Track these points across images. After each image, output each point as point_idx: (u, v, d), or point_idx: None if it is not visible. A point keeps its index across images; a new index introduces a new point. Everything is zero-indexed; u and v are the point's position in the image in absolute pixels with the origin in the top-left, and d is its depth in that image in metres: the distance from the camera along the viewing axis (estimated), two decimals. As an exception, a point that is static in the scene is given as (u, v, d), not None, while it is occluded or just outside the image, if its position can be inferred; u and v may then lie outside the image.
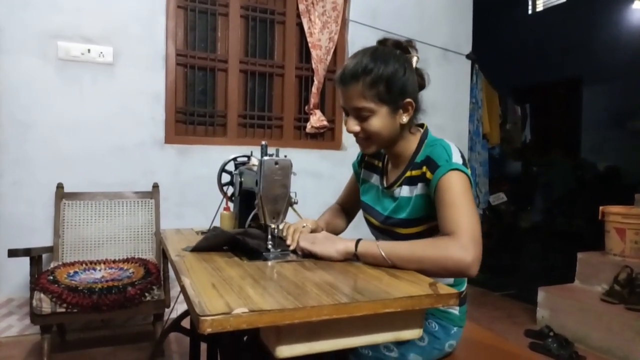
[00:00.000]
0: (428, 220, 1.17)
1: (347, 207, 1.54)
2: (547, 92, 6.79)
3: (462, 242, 1.00)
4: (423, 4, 3.55)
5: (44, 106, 2.55)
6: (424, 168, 1.15)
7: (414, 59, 1.22)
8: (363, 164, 1.42)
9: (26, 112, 2.51)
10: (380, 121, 1.15)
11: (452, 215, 1.05)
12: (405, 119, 1.18)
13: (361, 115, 1.16)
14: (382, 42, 1.24)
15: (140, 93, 2.75)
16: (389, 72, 1.13)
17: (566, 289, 2.88)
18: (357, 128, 1.18)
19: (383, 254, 1.07)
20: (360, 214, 1.45)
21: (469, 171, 1.12)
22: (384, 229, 1.26)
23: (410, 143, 1.23)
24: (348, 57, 3.35)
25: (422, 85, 1.24)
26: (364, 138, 1.20)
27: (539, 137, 6.59)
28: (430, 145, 1.19)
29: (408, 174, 1.20)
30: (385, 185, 1.29)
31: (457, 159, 1.11)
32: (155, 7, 2.76)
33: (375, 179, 1.36)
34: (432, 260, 1.02)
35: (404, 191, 1.20)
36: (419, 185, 1.17)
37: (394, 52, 1.19)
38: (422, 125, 1.27)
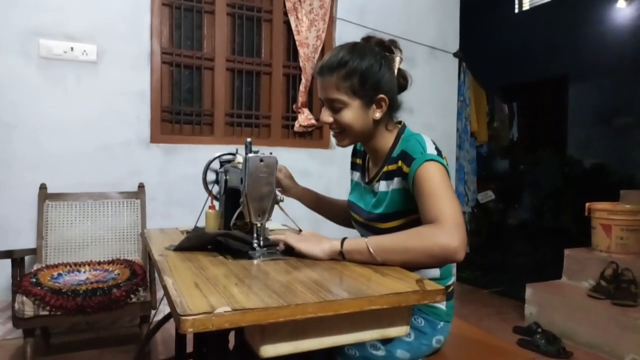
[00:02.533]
0: (406, 214, 1.17)
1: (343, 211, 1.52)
2: (534, 90, 6.85)
3: (446, 228, 1.01)
4: (410, 2, 3.56)
5: (27, 105, 2.50)
6: (400, 162, 1.16)
7: (397, 59, 1.23)
8: (351, 166, 1.44)
9: (9, 112, 2.47)
10: (352, 114, 1.17)
11: (433, 204, 1.05)
12: (378, 114, 1.19)
13: (334, 107, 1.19)
14: (366, 39, 1.26)
15: (125, 92, 2.71)
16: (364, 66, 1.15)
17: (554, 285, 2.90)
18: (330, 119, 1.20)
19: (370, 247, 1.06)
20: None
21: (444, 161, 1.13)
22: (366, 225, 1.27)
23: (387, 139, 1.24)
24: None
25: (403, 86, 1.26)
26: (338, 130, 1.22)
27: (526, 135, 6.65)
28: (405, 140, 1.20)
29: (385, 169, 1.22)
30: (366, 180, 1.31)
31: (431, 150, 1.13)
32: (139, 4, 2.73)
33: (357, 176, 1.38)
34: (419, 249, 1.02)
35: (382, 186, 1.22)
36: (395, 179, 1.18)
37: (372, 48, 1.21)
38: (399, 123, 1.28)
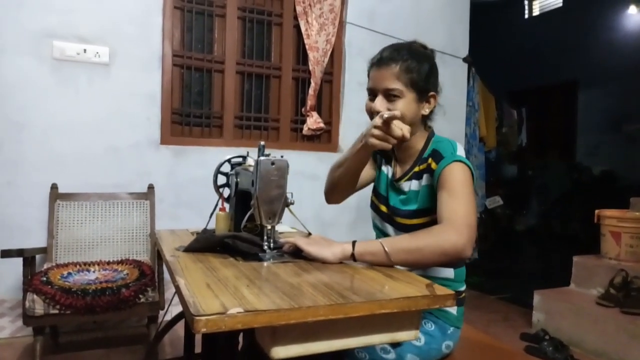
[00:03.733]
0: (434, 211, 1.18)
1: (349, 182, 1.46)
2: (543, 96, 6.82)
3: (456, 226, 1.05)
4: (420, 6, 3.56)
5: (39, 106, 2.53)
6: (430, 160, 1.22)
7: (435, 65, 1.32)
8: (379, 152, 1.42)
9: (21, 112, 2.50)
10: (406, 105, 1.22)
11: (450, 203, 1.10)
12: (427, 110, 1.27)
13: (390, 96, 1.22)
14: (412, 43, 1.32)
15: (136, 94, 2.73)
16: (423, 65, 1.24)
17: (562, 292, 2.88)
18: (384, 108, 1.22)
19: (386, 248, 1.07)
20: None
21: (471, 165, 1.18)
22: (390, 217, 1.30)
23: (421, 140, 1.30)
24: (345, 59, 3.37)
25: (439, 89, 1.33)
26: None
27: (535, 141, 6.61)
28: (437, 142, 1.27)
29: (416, 169, 1.27)
30: (395, 178, 1.34)
31: (461, 152, 1.19)
32: (151, 7, 2.75)
33: (385, 167, 1.40)
34: (431, 247, 1.05)
35: (413, 185, 1.26)
36: (425, 176, 1.23)
37: (425, 52, 1.30)
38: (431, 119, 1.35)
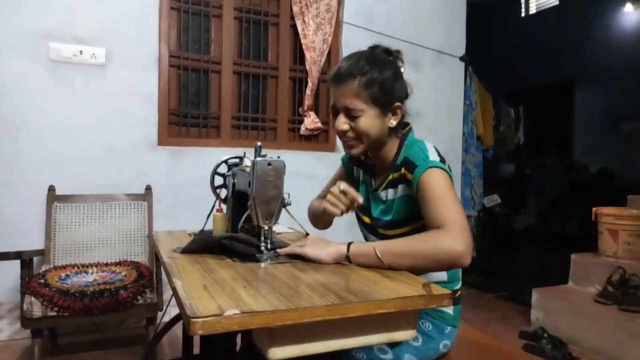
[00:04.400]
0: (412, 221, 1.19)
1: None
2: (541, 95, 6.84)
3: (452, 233, 1.02)
4: (417, 6, 3.56)
5: (36, 107, 2.53)
6: (403, 169, 1.18)
7: (401, 69, 1.26)
8: (354, 159, 1.42)
9: (18, 113, 2.49)
10: (370, 121, 1.18)
11: (438, 210, 1.07)
12: (394, 122, 1.22)
13: (352, 115, 1.18)
14: (373, 48, 1.27)
15: (133, 94, 2.73)
16: (384, 76, 1.17)
17: (560, 290, 2.89)
18: (346, 126, 1.19)
19: (378, 252, 1.07)
20: None
21: (447, 167, 1.14)
22: (373, 228, 1.30)
23: (392, 148, 1.25)
24: (342, 58, 3.35)
25: (407, 94, 1.26)
26: (353, 138, 1.21)
27: (532, 139, 6.63)
28: (408, 147, 1.22)
29: (391, 177, 1.23)
30: (373, 188, 1.31)
31: (434, 157, 1.14)
32: (148, 8, 2.75)
33: (364, 177, 1.38)
34: (425, 254, 1.03)
35: (390, 194, 1.24)
36: (400, 187, 1.20)
37: (387, 58, 1.24)
38: (406, 125, 1.28)
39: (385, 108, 1.19)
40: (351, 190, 1.18)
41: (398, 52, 1.27)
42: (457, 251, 1.00)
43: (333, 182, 1.49)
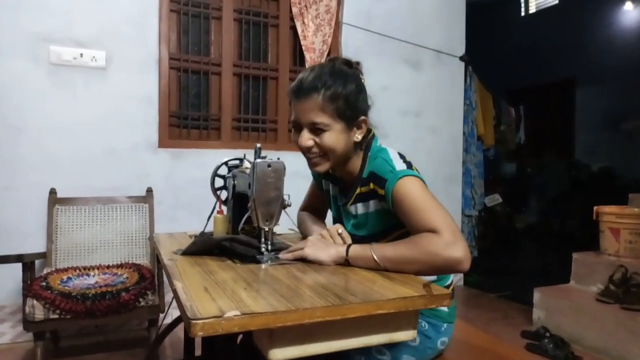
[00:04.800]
0: (388, 233, 1.19)
1: (316, 211, 1.52)
2: (541, 94, 6.82)
3: (446, 239, 1.00)
4: (416, 6, 3.57)
5: (37, 110, 2.53)
6: (371, 185, 1.16)
7: (362, 81, 1.22)
8: (321, 174, 1.39)
9: (18, 116, 2.50)
10: (335, 137, 1.14)
11: (424, 218, 1.04)
12: (359, 136, 1.19)
13: (316, 130, 1.15)
14: (333, 60, 1.23)
15: (133, 97, 2.74)
16: (348, 90, 1.14)
17: (561, 289, 2.89)
18: (311, 142, 1.16)
19: (375, 257, 1.07)
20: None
21: (416, 172, 1.12)
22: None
23: (357, 161, 1.22)
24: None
25: (369, 107, 1.24)
26: (317, 154, 1.18)
27: (533, 139, 6.62)
28: (372, 159, 1.19)
29: (358, 191, 1.21)
30: (343, 202, 1.29)
31: (399, 165, 1.12)
32: (148, 10, 2.76)
33: (333, 189, 1.36)
34: (423, 261, 1.03)
35: (360, 208, 1.22)
36: (372, 202, 1.18)
37: (350, 71, 1.19)
38: (369, 132, 1.24)
39: (351, 122, 1.16)
40: (346, 238, 1.18)
41: (358, 63, 1.24)
42: (456, 258, 0.99)
43: (311, 195, 1.51)
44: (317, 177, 1.44)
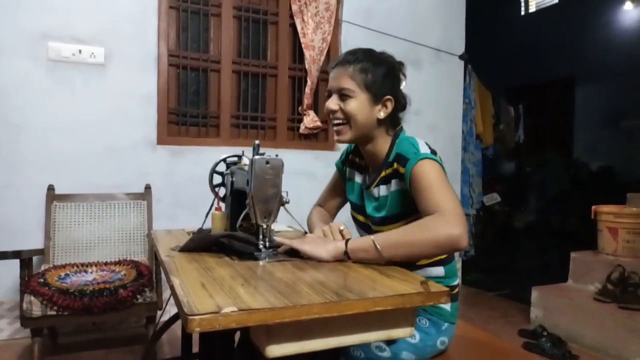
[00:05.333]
0: (407, 216, 1.20)
1: (330, 207, 1.55)
2: (540, 92, 6.83)
3: (447, 218, 1.04)
4: (416, 4, 3.56)
5: (35, 107, 2.53)
6: (395, 165, 1.21)
7: (404, 82, 1.31)
8: (347, 162, 1.45)
9: (17, 113, 2.49)
10: (359, 105, 1.22)
11: (432, 198, 1.09)
12: (382, 114, 1.24)
13: (343, 96, 1.23)
14: (381, 52, 1.31)
15: (132, 94, 2.73)
16: (380, 68, 1.23)
17: (560, 288, 2.89)
18: (336, 107, 1.24)
19: (377, 244, 1.07)
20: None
21: (439, 158, 1.17)
22: (368, 226, 1.31)
23: (385, 144, 1.28)
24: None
25: (403, 106, 1.31)
26: (341, 121, 1.25)
27: (532, 137, 6.62)
28: (399, 143, 1.25)
29: (383, 173, 1.26)
30: (366, 185, 1.33)
31: (424, 150, 1.17)
32: (147, 7, 2.75)
33: (358, 177, 1.40)
34: (424, 241, 1.05)
35: (382, 190, 1.26)
36: (393, 182, 1.22)
37: (388, 59, 1.28)
38: (397, 124, 1.31)
39: (376, 97, 1.23)
40: (347, 235, 1.22)
41: (401, 63, 1.32)
42: (454, 235, 1.02)
43: (330, 189, 1.54)
44: (342, 168, 1.47)
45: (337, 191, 1.52)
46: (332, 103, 1.24)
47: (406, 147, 1.20)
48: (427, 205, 1.09)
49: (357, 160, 1.40)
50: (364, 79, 1.21)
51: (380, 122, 1.25)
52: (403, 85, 1.30)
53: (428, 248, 1.05)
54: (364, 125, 1.23)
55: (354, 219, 1.40)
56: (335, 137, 1.29)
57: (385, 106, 1.24)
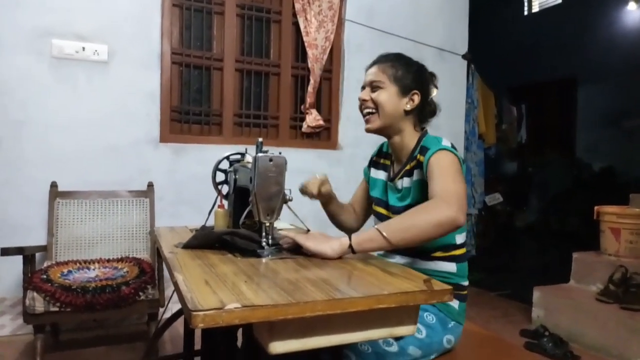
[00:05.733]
0: None
1: (356, 208, 1.62)
2: (543, 92, 6.81)
3: (445, 199, 1.09)
4: (419, 3, 3.56)
5: (38, 104, 2.53)
6: (418, 156, 1.28)
7: (434, 90, 1.41)
8: (372, 165, 1.53)
9: (20, 110, 2.50)
10: (387, 96, 1.32)
11: (438, 183, 1.15)
12: (408, 106, 1.32)
13: (374, 87, 1.33)
14: (415, 61, 1.41)
15: (135, 91, 2.73)
16: (409, 66, 1.35)
17: (561, 288, 2.89)
18: (367, 96, 1.35)
19: (382, 232, 1.08)
20: None
21: (458, 153, 1.23)
22: (389, 218, 1.34)
23: (412, 139, 1.35)
24: (344, 56, 3.37)
25: (433, 111, 1.42)
26: (371, 110, 1.34)
27: (534, 137, 6.61)
28: (426, 140, 1.32)
29: (408, 166, 1.32)
30: (390, 177, 1.40)
31: (446, 143, 1.24)
32: (150, 5, 2.75)
33: (382, 174, 1.46)
34: (425, 221, 1.08)
35: (405, 182, 1.31)
36: (415, 172, 1.28)
37: (418, 64, 1.39)
38: (424, 122, 1.42)
39: (404, 90, 1.32)
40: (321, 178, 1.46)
41: (432, 74, 1.42)
42: (450, 213, 1.06)
43: (357, 192, 1.63)
44: (368, 172, 1.55)
45: (363, 195, 1.59)
46: (364, 94, 1.36)
47: (430, 141, 1.28)
48: (432, 190, 1.14)
49: (381, 160, 1.49)
50: (394, 73, 1.32)
51: (407, 113, 1.33)
52: (434, 94, 1.41)
53: (430, 228, 1.07)
54: (391, 114, 1.32)
55: (375, 213, 1.45)
56: (365, 127, 1.37)
57: (412, 99, 1.32)
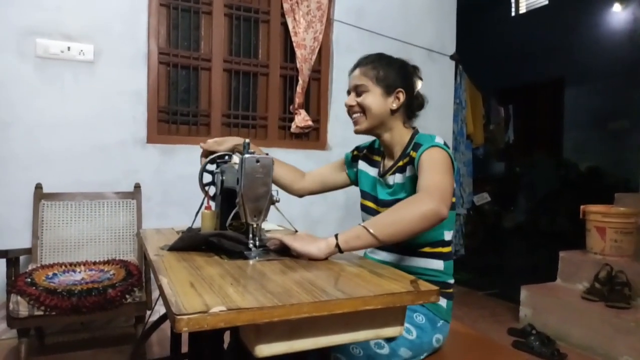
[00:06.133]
0: None
1: (311, 177, 1.63)
2: (530, 93, 6.88)
3: (428, 191, 1.12)
4: (408, 4, 3.57)
5: (23, 104, 2.50)
6: (411, 152, 1.29)
7: (419, 82, 1.42)
8: (361, 156, 1.53)
9: (4, 111, 2.46)
10: (372, 98, 1.33)
11: (425, 178, 1.17)
12: (394, 105, 1.34)
13: (359, 92, 1.35)
14: (395, 58, 1.42)
15: (121, 92, 2.71)
16: (390, 65, 1.35)
17: (548, 287, 2.91)
18: (353, 102, 1.36)
19: (369, 228, 1.08)
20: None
21: (450, 151, 1.24)
22: (377, 212, 1.35)
23: (404, 136, 1.37)
24: (333, 56, 3.37)
25: (421, 104, 1.43)
26: (358, 113, 1.36)
27: (522, 138, 6.67)
28: (419, 137, 1.34)
29: (400, 163, 1.33)
30: (380, 173, 1.40)
31: (439, 141, 1.26)
32: (137, 4, 2.73)
33: (373, 171, 1.46)
34: (408, 215, 1.08)
35: (398, 178, 1.32)
36: (408, 168, 1.29)
37: (401, 62, 1.39)
38: (412, 117, 1.43)
39: (388, 90, 1.33)
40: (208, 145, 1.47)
41: (415, 67, 1.42)
42: (432, 206, 1.07)
43: (326, 166, 1.65)
44: (350, 161, 1.55)
45: (330, 168, 1.61)
46: (350, 100, 1.37)
47: (424, 138, 1.30)
48: (418, 184, 1.16)
49: (373, 157, 1.49)
50: (376, 74, 1.33)
51: (394, 112, 1.34)
52: (419, 86, 1.41)
53: (414, 221, 1.08)
54: (378, 115, 1.33)
55: (365, 208, 1.45)
56: (354, 129, 1.38)
57: (398, 97, 1.34)
